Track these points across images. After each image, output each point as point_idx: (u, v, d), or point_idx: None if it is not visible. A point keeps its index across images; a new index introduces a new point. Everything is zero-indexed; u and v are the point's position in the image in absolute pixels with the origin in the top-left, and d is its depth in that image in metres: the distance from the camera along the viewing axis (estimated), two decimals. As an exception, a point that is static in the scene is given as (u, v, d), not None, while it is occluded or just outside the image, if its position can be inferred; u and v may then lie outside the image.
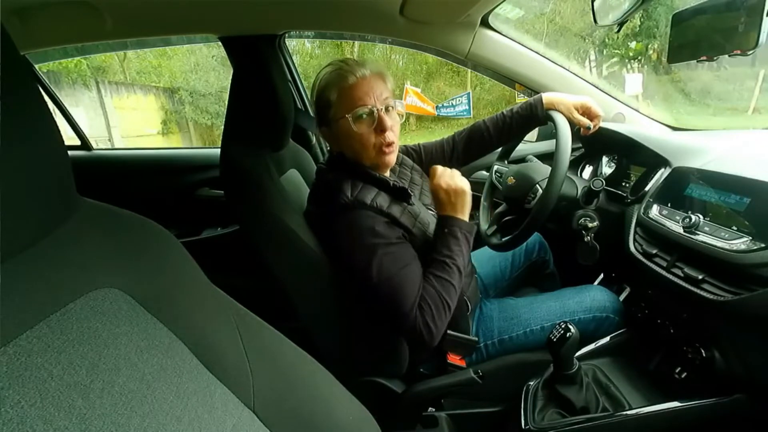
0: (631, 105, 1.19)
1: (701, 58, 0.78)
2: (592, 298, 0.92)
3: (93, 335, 0.28)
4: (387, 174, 0.87)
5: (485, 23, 1.11)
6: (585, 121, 0.96)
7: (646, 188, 0.90)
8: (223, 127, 0.93)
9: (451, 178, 0.81)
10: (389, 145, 0.80)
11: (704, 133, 1.08)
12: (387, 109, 0.80)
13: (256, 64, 0.93)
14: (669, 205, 0.81)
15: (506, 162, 1.16)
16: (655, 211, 0.83)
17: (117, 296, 0.30)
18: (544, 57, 1.17)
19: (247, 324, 0.41)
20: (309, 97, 1.48)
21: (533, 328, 0.89)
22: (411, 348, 0.86)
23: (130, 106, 7.42)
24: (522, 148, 1.26)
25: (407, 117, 8.20)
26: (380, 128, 0.79)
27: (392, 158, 0.83)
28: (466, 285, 0.91)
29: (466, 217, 0.81)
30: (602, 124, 1.01)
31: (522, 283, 1.17)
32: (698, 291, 0.68)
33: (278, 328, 0.44)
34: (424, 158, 1.06)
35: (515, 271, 1.14)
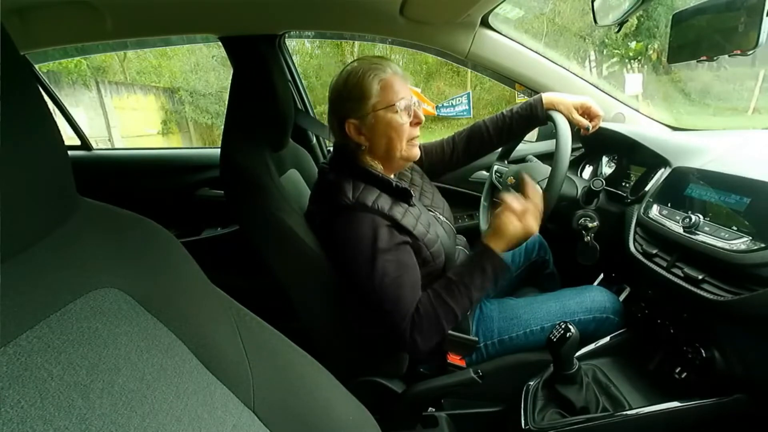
0: (631, 105, 1.19)
1: (701, 58, 0.78)
2: (592, 298, 0.92)
3: (93, 335, 0.28)
4: (391, 175, 0.87)
5: (485, 23, 1.11)
6: (584, 121, 0.96)
7: (646, 188, 0.90)
8: (223, 127, 0.93)
9: (528, 218, 0.77)
10: (416, 138, 0.85)
11: (704, 133, 1.08)
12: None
13: (256, 64, 0.93)
14: (669, 205, 0.80)
15: (506, 162, 1.16)
16: (655, 211, 0.83)
17: (117, 296, 0.30)
18: (544, 57, 1.17)
19: (247, 324, 0.41)
20: (309, 96, 1.47)
21: (533, 329, 0.89)
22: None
23: (130, 106, 7.41)
24: (522, 148, 1.27)
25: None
26: (416, 121, 0.83)
27: (417, 152, 0.86)
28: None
29: (503, 255, 0.78)
30: (602, 124, 1.01)
31: (522, 283, 1.17)
32: (698, 291, 0.68)
33: (278, 328, 0.44)
34: (424, 158, 1.06)
35: (515, 271, 1.14)
